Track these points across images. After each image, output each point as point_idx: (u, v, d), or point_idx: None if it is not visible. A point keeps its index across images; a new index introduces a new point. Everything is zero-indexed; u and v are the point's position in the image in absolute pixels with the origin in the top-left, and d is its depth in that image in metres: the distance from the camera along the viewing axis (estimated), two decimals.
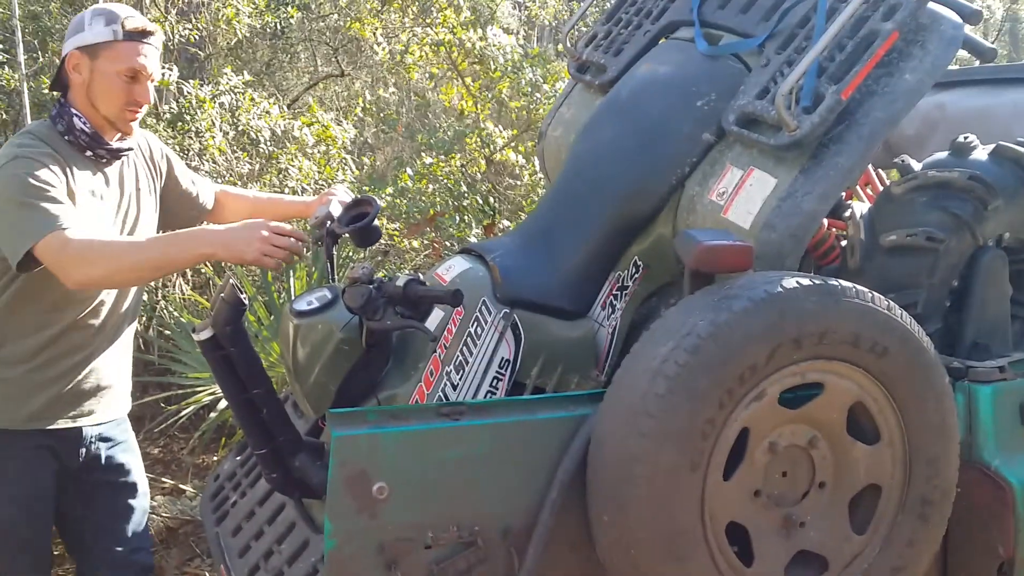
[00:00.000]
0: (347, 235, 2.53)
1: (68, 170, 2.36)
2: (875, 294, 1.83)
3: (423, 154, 6.56)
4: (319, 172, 5.95)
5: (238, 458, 2.87)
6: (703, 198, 2.34)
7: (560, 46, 11.07)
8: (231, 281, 2.20)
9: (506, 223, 5.76)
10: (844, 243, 2.49)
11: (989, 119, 3.09)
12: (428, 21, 6.45)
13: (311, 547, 2.27)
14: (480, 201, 5.92)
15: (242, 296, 2.10)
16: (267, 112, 5.89)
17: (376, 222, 2.50)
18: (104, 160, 2.46)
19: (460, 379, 2.29)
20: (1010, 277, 2.38)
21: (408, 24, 6.81)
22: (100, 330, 2.53)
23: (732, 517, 1.78)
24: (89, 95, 2.38)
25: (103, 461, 2.68)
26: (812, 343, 1.76)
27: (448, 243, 5.75)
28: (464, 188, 5.89)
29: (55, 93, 2.52)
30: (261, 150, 5.87)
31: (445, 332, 2.31)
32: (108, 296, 2.50)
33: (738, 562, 1.79)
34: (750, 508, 1.81)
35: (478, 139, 6.22)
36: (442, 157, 6.20)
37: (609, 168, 2.50)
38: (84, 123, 2.39)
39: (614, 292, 2.52)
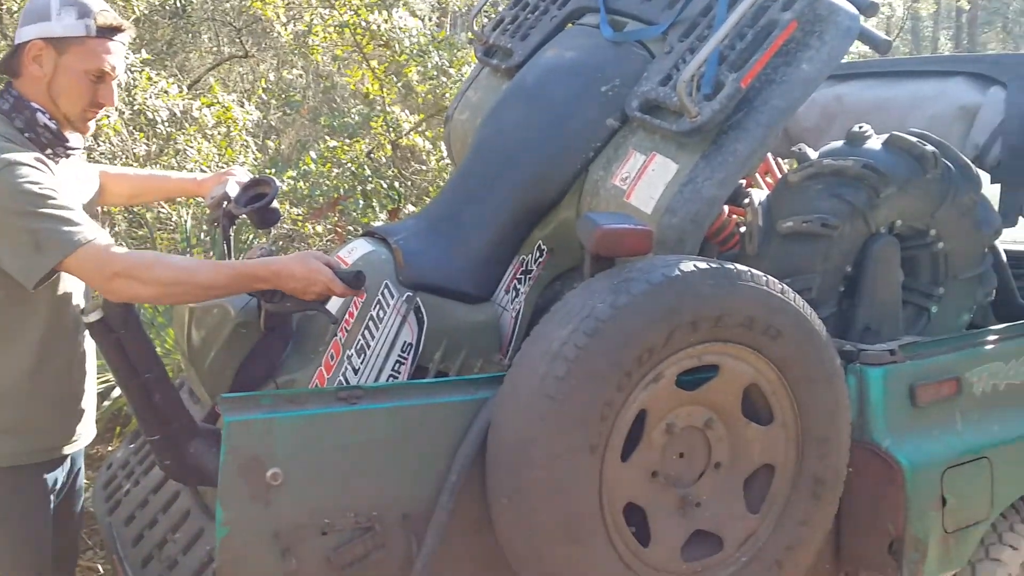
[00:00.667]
0: (245, 216, 2.48)
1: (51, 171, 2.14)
2: (770, 278, 1.86)
3: (327, 137, 6.47)
4: (220, 154, 5.80)
5: (131, 446, 2.79)
6: (606, 183, 2.36)
7: (470, 32, 11.11)
8: None
9: (412, 208, 5.72)
10: (743, 229, 2.54)
11: (885, 110, 3.18)
12: (332, 2, 6.31)
13: (206, 535, 2.22)
14: (385, 186, 5.85)
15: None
16: (165, 92, 5.71)
17: (276, 203, 2.45)
18: (58, 160, 2.21)
19: (361, 363, 2.26)
20: (901, 263, 2.45)
21: (314, 4, 6.66)
22: (81, 342, 2.35)
23: (630, 498, 1.80)
24: (50, 90, 2.13)
25: (77, 485, 2.49)
26: (708, 326, 1.78)
27: (352, 228, 5.68)
28: (369, 173, 5.81)
29: None
30: (159, 131, 5.70)
31: (346, 315, 2.28)
32: (79, 303, 2.33)
33: (636, 543, 1.80)
34: (647, 489, 1.82)
35: (384, 123, 6.15)
36: (347, 141, 6.12)
37: (514, 152, 2.50)
38: (48, 119, 2.14)
39: (518, 276, 2.52)
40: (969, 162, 2.51)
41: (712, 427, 1.87)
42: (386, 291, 2.29)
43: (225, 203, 2.48)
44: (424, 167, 6.21)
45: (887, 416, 2.15)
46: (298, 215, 5.69)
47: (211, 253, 4.51)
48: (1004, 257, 2.87)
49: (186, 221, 4.83)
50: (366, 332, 2.27)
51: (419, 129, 6.33)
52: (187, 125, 5.87)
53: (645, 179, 2.27)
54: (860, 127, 2.47)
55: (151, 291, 1.99)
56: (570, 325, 1.73)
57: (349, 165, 5.80)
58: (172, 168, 5.58)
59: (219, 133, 5.99)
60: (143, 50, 6.20)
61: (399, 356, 2.29)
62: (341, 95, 8.29)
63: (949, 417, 2.26)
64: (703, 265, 1.80)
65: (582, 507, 1.72)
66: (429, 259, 2.38)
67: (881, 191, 2.32)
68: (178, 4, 7.64)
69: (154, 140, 5.78)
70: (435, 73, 6.08)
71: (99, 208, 2.58)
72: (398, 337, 2.28)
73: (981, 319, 2.72)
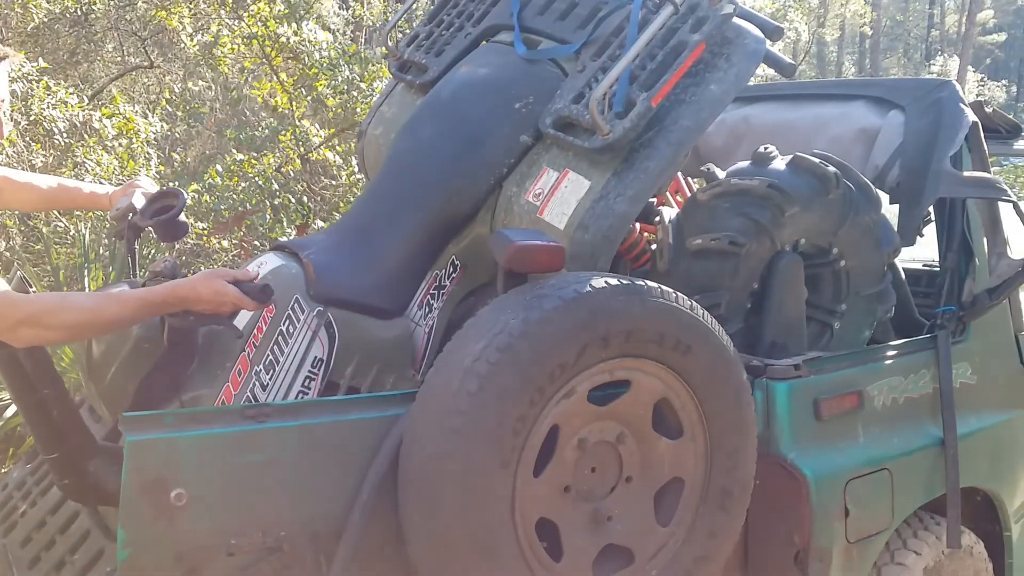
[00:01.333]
0: (151, 228, 2.42)
1: None
2: (679, 294, 1.89)
3: (234, 151, 6.37)
4: (121, 167, 5.67)
5: (28, 466, 2.69)
6: (520, 199, 2.37)
7: (384, 47, 11.06)
8: (19, 274, 2.06)
9: (321, 223, 5.65)
10: (655, 247, 2.57)
11: (790, 132, 3.26)
12: (241, 13, 6.22)
13: (106, 556, 2.16)
14: (294, 201, 5.78)
15: (31, 290, 1.96)
16: (63, 102, 5.56)
17: (183, 216, 2.40)
18: None
19: (270, 379, 2.22)
20: (805, 280, 2.52)
21: (223, 15, 6.52)
22: None
23: (542, 513, 1.80)
24: None
25: None
26: (619, 341, 1.79)
27: (258, 243, 5.61)
28: (277, 187, 5.74)
29: None
30: (56, 142, 5.56)
31: (255, 330, 2.24)
32: None
33: (548, 558, 1.80)
34: (559, 504, 1.83)
35: (293, 137, 6.08)
36: (254, 155, 6.03)
37: (428, 167, 2.50)
38: None
39: (431, 291, 2.52)
40: (869, 183, 2.59)
41: (624, 442, 1.89)
42: (296, 306, 2.26)
43: (131, 215, 2.43)
44: (334, 182, 6.16)
45: (792, 429, 2.20)
46: (203, 229, 5.61)
47: (110, 268, 4.38)
48: (903, 275, 2.97)
49: (84, 235, 4.70)
50: (275, 347, 2.24)
51: (329, 144, 6.28)
52: (87, 136, 5.73)
53: (558, 195, 2.29)
54: (766, 148, 2.53)
55: (58, 335, 1.94)
56: (483, 341, 1.72)
57: (256, 179, 5.71)
58: (71, 180, 5.44)
59: (120, 145, 5.87)
60: (41, 59, 5.99)
61: (309, 372, 2.26)
62: (250, 108, 8.15)
63: (851, 430, 2.33)
64: (614, 281, 1.82)
65: (494, 523, 1.71)
66: (341, 273, 2.35)
67: (786, 210, 2.38)
68: (80, 12, 7.45)
69: (52, 151, 5.64)
70: (345, 87, 6.03)
71: None
72: (308, 352, 2.25)
73: (881, 335, 2.81)
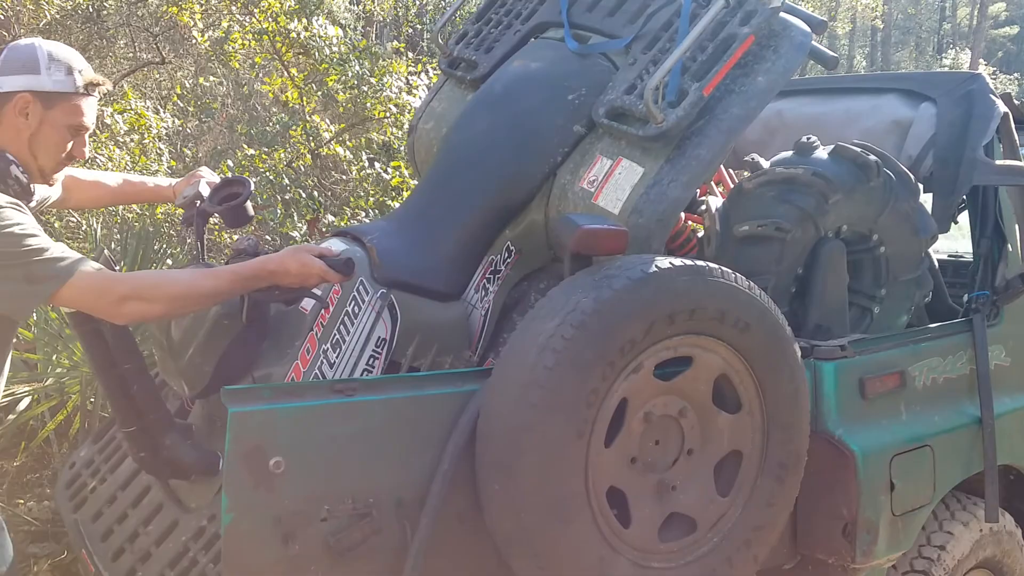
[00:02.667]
0: (218, 215, 2.53)
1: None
2: (738, 275, 1.99)
3: (245, 146, 6.35)
4: (133, 162, 5.69)
5: (96, 445, 2.80)
6: (574, 186, 2.47)
7: (392, 43, 11.05)
8: (105, 254, 2.17)
9: (331, 218, 5.64)
10: (700, 234, 2.67)
11: (823, 125, 3.35)
12: (251, 9, 6.21)
13: (181, 526, 2.26)
14: (304, 195, 5.78)
15: (116, 268, 2.07)
16: None
17: (247, 203, 2.51)
18: None
19: (336, 357, 2.33)
20: (847, 267, 2.61)
21: (235, 11, 6.52)
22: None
23: (612, 482, 1.90)
24: (31, 143, 2.13)
25: None
26: (683, 319, 1.89)
27: (269, 237, 5.60)
28: (287, 181, 5.73)
29: None
30: None
31: (322, 311, 2.34)
32: None
33: (618, 524, 1.90)
34: (627, 474, 1.93)
35: (303, 132, 6.10)
36: (265, 150, 6.03)
37: (485, 157, 2.60)
38: (21, 173, 2.13)
39: (487, 276, 2.62)
40: (908, 172, 2.68)
41: (685, 416, 1.99)
42: (361, 288, 2.36)
43: (198, 203, 2.53)
44: (344, 177, 6.16)
45: (839, 407, 2.30)
46: (214, 224, 5.57)
47: (122, 263, 4.38)
48: (936, 263, 3.07)
49: (96, 230, 4.72)
50: (341, 327, 2.34)
51: (340, 139, 6.29)
52: (98, 132, 5.74)
53: (612, 182, 2.39)
54: (808, 138, 2.63)
55: (159, 308, 2.04)
56: (556, 319, 1.82)
57: (267, 174, 5.71)
58: None
59: (132, 140, 5.89)
60: None
61: (373, 351, 2.36)
62: (261, 103, 8.15)
63: (894, 408, 2.42)
64: (678, 262, 1.92)
65: (570, 490, 1.81)
66: (402, 258, 2.46)
67: (829, 197, 2.47)
68: (92, 8, 7.47)
69: None
70: (355, 82, 6.05)
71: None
72: (372, 332, 2.36)
73: (916, 320, 2.91)
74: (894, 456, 2.33)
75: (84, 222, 5.47)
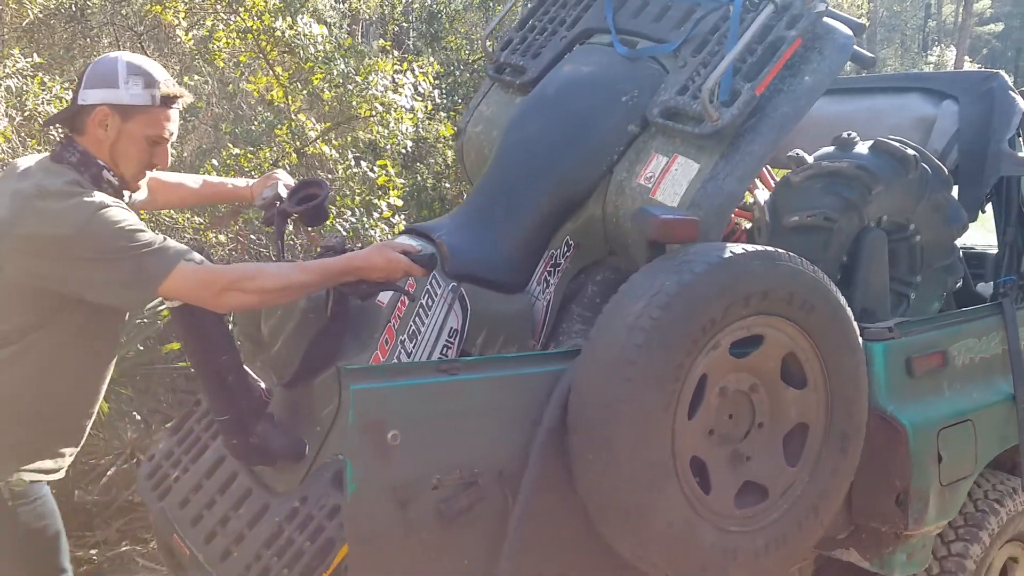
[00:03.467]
0: (297, 215, 2.67)
1: None
2: (804, 260, 2.15)
3: (230, 145, 6.20)
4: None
5: (174, 437, 2.93)
6: (631, 182, 2.62)
7: (378, 41, 11.12)
8: (202, 246, 2.30)
9: None
10: (747, 226, 2.83)
11: (849, 124, 3.51)
12: (236, 7, 6.11)
13: (273, 509, 2.40)
14: None
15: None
16: (58, 97, 5.44)
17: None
18: None
19: (413, 347, 2.47)
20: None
21: (219, 9, 6.36)
22: (110, 368, 2.46)
23: (693, 452, 2.05)
24: (111, 152, 2.25)
25: None
26: (757, 300, 2.05)
27: (254, 236, 5.56)
28: None
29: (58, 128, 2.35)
30: (52, 137, 5.42)
31: (398, 304, 2.49)
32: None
33: (700, 491, 2.05)
34: (706, 445, 2.08)
35: (288, 131, 6.03)
36: (250, 149, 5.94)
37: (542, 157, 2.74)
38: (113, 177, 2.26)
39: (548, 269, 2.76)
40: (941, 165, 2.85)
41: (756, 391, 2.15)
42: (434, 281, 2.50)
43: (278, 203, 2.67)
44: (330, 175, 6.00)
45: (889, 385, 2.45)
46: (200, 223, 5.51)
47: None
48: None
49: None
50: (416, 319, 2.48)
51: (326, 137, 6.21)
52: None
53: (669, 177, 2.54)
54: (848, 134, 2.80)
55: (256, 299, 2.18)
56: (642, 301, 1.98)
57: (253, 174, 5.56)
58: None
59: None
60: (36, 54, 5.94)
61: (446, 341, 2.51)
62: (247, 102, 7.99)
63: (938, 386, 2.58)
64: (751, 248, 2.08)
65: (659, 459, 1.96)
66: (470, 253, 2.60)
67: (872, 189, 2.64)
68: (75, 8, 7.39)
69: (47, 147, 5.49)
70: (341, 81, 5.96)
71: None
72: (445, 323, 2.50)
73: (945, 306, 3.07)
74: (940, 430, 2.48)
75: None
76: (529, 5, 3.33)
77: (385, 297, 2.51)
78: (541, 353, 2.30)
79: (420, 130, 6.45)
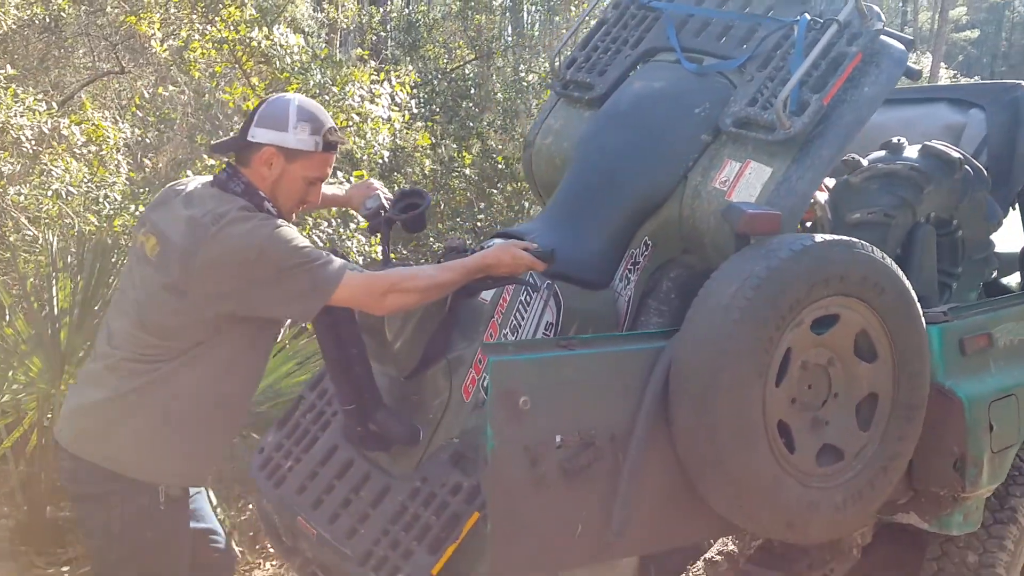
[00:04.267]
0: (399, 222, 2.93)
1: None
2: (875, 247, 2.43)
3: (206, 156, 6.01)
4: (91, 173, 5.58)
5: (281, 431, 3.18)
6: (707, 186, 2.88)
7: (356, 50, 11.02)
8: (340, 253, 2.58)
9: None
10: (808, 224, 3.11)
11: (883, 132, 3.80)
12: (212, 17, 6.10)
13: (394, 489, 2.65)
14: None
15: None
16: (31, 109, 5.47)
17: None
18: None
19: (515, 340, 2.74)
20: None
21: (195, 20, 6.37)
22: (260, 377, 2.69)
23: (780, 417, 2.33)
24: (272, 188, 2.46)
25: None
26: (835, 282, 2.33)
27: None
28: None
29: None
30: (24, 149, 5.50)
31: (500, 300, 2.76)
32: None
33: (786, 451, 2.33)
34: (790, 411, 2.36)
35: None
36: (225, 160, 5.90)
37: (622, 166, 3.01)
38: (272, 208, 2.45)
39: (629, 267, 3.03)
40: (982, 167, 3.14)
41: (832, 364, 2.43)
42: (531, 279, 2.78)
43: (383, 212, 2.94)
44: None
45: (945, 362, 2.73)
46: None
47: (79, 277, 4.16)
48: None
49: (52, 243, 4.42)
50: (517, 314, 2.75)
51: None
52: (55, 144, 5.64)
53: (743, 181, 2.80)
54: (898, 139, 3.09)
55: (412, 298, 2.44)
56: (735, 284, 2.26)
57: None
58: (39, 187, 5.44)
59: (90, 151, 5.77)
60: (9, 66, 5.98)
61: (544, 333, 2.77)
62: (223, 112, 7.84)
63: (986, 364, 2.86)
64: (829, 238, 2.36)
65: (753, 422, 2.24)
66: (560, 253, 2.87)
67: (924, 188, 2.92)
68: (49, 19, 7.37)
69: (19, 159, 5.59)
70: (317, 91, 5.84)
71: None
72: (542, 318, 2.77)
73: (977, 296, 3.37)
74: (991, 402, 2.75)
75: (41, 235, 5.31)
76: (591, 24, 3.61)
77: (488, 295, 2.78)
78: (644, 332, 2.58)
79: (397, 139, 6.48)
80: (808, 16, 2.83)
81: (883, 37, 2.85)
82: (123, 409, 2.40)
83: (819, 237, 2.35)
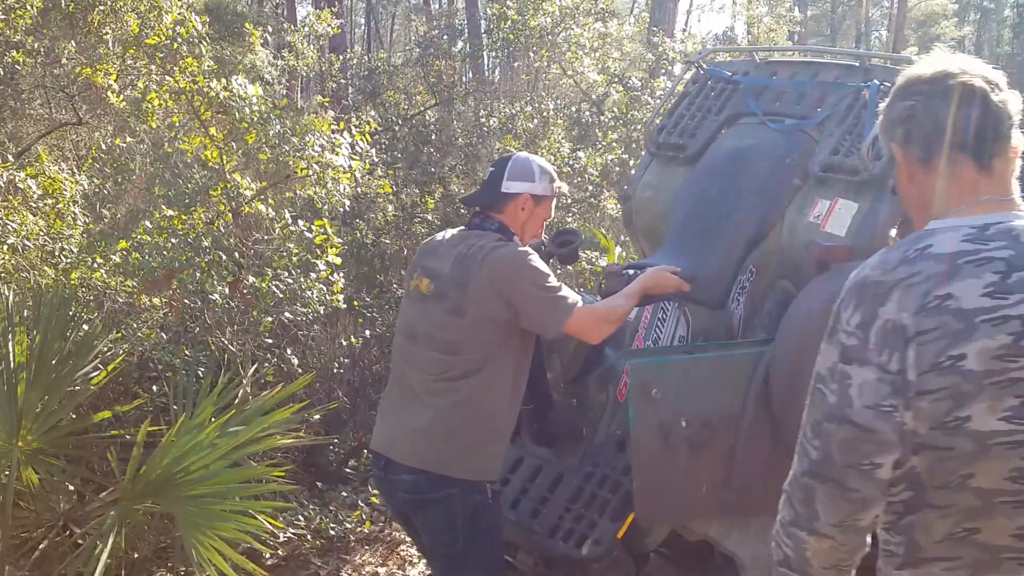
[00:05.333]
0: (556, 257, 3.65)
1: None
2: None
3: (164, 207, 6.06)
4: (48, 226, 5.56)
5: None
6: (802, 221, 3.47)
7: (317, 97, 11.65)
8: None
9: (252, 279, 5.32)
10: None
11: None
12: (169, 67, 6.08)
13: (567, 477, 3.38)
14: (224, 257, 5.49)
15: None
16: None
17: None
18: None
19: (649, 347, 3.46)
20: None
21: (153, 71, 6.39)
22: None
23: None
24: (521, 227, 3.05)
25: None
26: None
27: (188, 301, 5.35)
28: (206, 243, 5.46)
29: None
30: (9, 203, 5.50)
31: (643, 317, 3.48)
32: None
33: None
34: None
35: (223, 192, 5.90)
36: (184, 211, 5.81)
37: (728, 209, 3.63)
38: (519, 243, 3.03)
39: (738, 291, 3.69)
40: None
41: None
42: (665, 301, 3.50)
43: (542, 247, 3.53)
44: (267, 236, 5.84)
45: None
46: (132, 287, 5.31)
47: (35, 332, 3.98)
48: None
49: (8, 297, 4.19)
50: (656, 328, 3.48)
51: (262, 196, 6.09)
52: (11, 197, 5.62)
53: (834, 215, 3.35)
54: None
55: (615, 326, 3.02)
56: (819, 301, 2.92)
57: (186, 236, 5.49)
58: None
59: (46, 204, 5.71)
60: None
61: (679, 344, 3.49)
62: (182, 160, 7.66)
63: None
64: None
65: None
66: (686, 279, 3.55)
67: None
68: (3, 71, 7.40)
69: None
70: (276, 141, 5.82)
71: None
72: (676, 331, 3.48)
73: None
74: None
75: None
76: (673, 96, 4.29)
77: (633, 313, 3.45)
78: (748, 340, 3.28)
79: (359, 188, 6.72)
80: (876, 82, 3.46)
81: None
82: (449, 424, 2.86)
83: None
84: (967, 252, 1.59)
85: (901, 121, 1.72)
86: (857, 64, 3.66)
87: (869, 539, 1.72)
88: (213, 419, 3.67)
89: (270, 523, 3.77)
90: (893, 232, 3.61)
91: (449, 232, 3.12)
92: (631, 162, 9.31)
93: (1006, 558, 1.61)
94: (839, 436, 1.66)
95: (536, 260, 2.89)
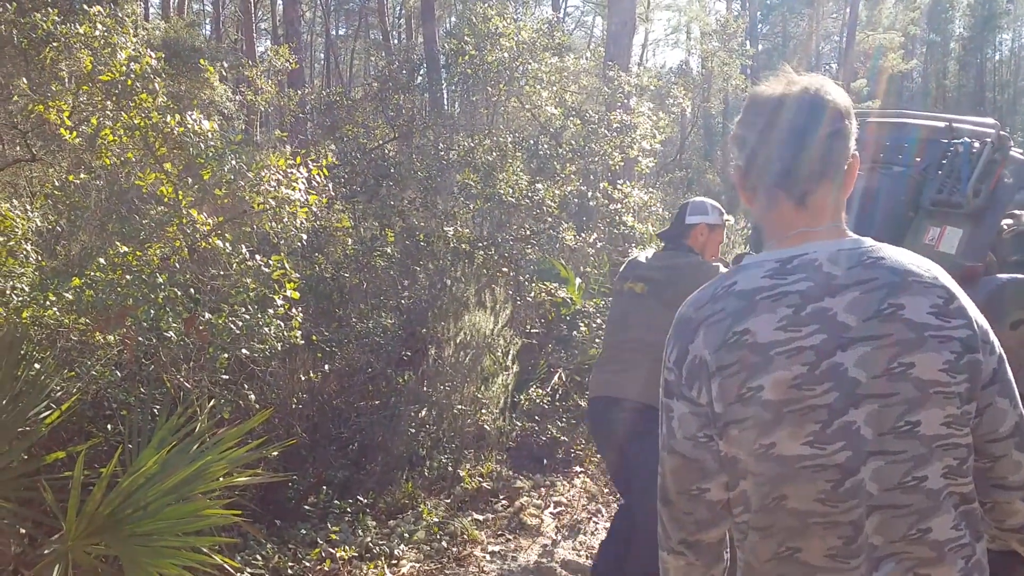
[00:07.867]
0: None
1: None
2: None
3: (119, 243, 5.94)
4: (0, 264, 5.52)
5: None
6: (918, 243, 3.76)
7: (276, 131, 11.21)
8: None
9: (208, 315, 5.28)
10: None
11: None
12: (124, 103, 5.95)
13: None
14: (180, 293, 5.42)
15: None
16: None
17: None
18: None
19: None
20: None
21: (108, 107, 6.19)
22: None
23: None
24: (703, 248, 4.27)
25: None
26: None
27: (142, 338, 5.24)
28: (161, 279, 5.33)
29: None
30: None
31: None
32: None
33: None
34: None
35: (178, 227, 5.82)
36: (138, 247, 5.78)
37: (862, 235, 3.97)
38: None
39: None
40: None
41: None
42: None
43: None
44: (223, 272, 5.74)
45: None
46: (86, 324, 5.19)
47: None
48: None
49: None
50: None
51: (219, 232, 5.97)
52: None
53: (945, 238, 3.72)
54: None
55: None
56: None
57: (140, 272, 5.40)
58: None
59: None
60: None
61: None
62: (138, 197, 7.69)
63: None
64: (1008, 277, 3.32)
65: None
66: None
67: None
68: None
69: None
70: (232, 176, 5.78)
71: None
72: None
73: None
74: None
75: None
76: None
77: None
78: None
79: (318, 222, 6.92)
80: (968, 140, 3.83)
81: (1013, 152, 3.77)
82: (649, 373, 3.83)
83: (1005, 277, 3.38)
84: (764, 288, 1.69)
85: (740, 146, 1.79)
86: (943, 125, 4.16)
87: (727, 555, 1.85)
88: (167, 454, 3.62)
89: (221, 560, 3.70)
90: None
91: (649, 251, 4.48)
92: (589, 194, 9.45)
93: None
94: (668, 465, 1.79)
95: (713, 266, 4.10)
